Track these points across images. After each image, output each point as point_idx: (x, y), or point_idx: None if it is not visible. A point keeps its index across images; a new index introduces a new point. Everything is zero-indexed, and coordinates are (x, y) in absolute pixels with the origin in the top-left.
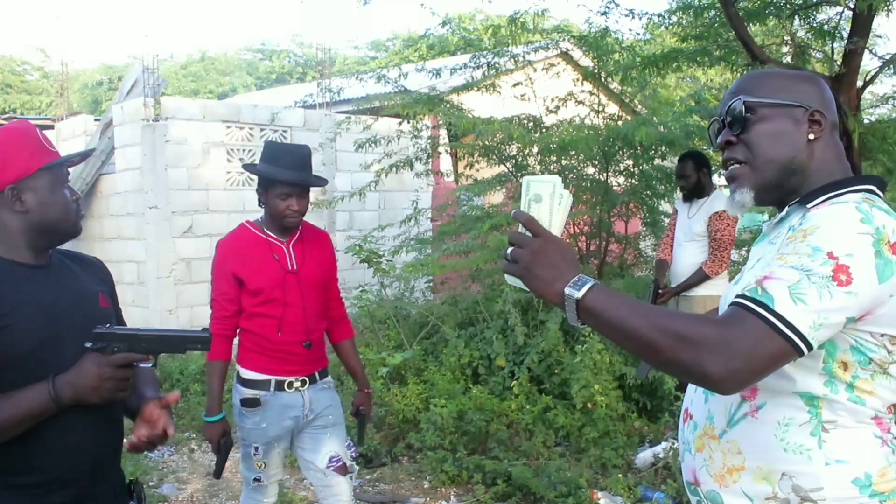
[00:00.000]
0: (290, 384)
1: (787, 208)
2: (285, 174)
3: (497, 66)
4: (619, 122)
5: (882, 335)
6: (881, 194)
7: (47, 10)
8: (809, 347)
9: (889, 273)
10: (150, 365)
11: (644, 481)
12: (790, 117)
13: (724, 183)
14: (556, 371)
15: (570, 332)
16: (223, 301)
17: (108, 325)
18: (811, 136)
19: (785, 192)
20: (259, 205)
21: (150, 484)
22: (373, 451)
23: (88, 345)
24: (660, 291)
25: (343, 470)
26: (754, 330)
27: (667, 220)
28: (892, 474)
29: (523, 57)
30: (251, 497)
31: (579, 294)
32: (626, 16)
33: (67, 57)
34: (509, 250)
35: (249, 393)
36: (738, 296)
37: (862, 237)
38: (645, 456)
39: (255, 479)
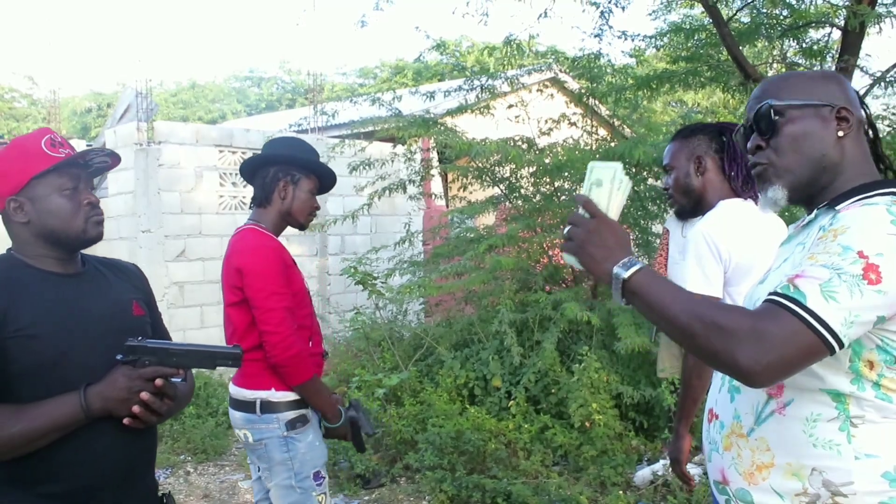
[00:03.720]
0: None
1: (815, 211)
2: (328, 169)
3: (491, 88)
4: (612, 144)
5: None
6: None
7: (35, 38)
8: (840, 345)
9: None
10: (180, 380)
11: (644, 499)
12: (818, 116)
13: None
14: (553, 391)
15: (566, 351)
16: (291, 308)
17: (139, 336)
18: (840, 134)
19: (817, 189)
20: (262, 201)
21: None
22: (371, 471)
23: (120, 357)
24: None
25: None
26: (788, 325)
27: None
28: None
29: (517, 79)
30: None
31: (626, 274)
32: (619, 37)
33: (56, 84)
34: (567, 229)
35: (294, 413)
36: (770, 293)
37: (892, 238)
38: (643, 474)
39: None
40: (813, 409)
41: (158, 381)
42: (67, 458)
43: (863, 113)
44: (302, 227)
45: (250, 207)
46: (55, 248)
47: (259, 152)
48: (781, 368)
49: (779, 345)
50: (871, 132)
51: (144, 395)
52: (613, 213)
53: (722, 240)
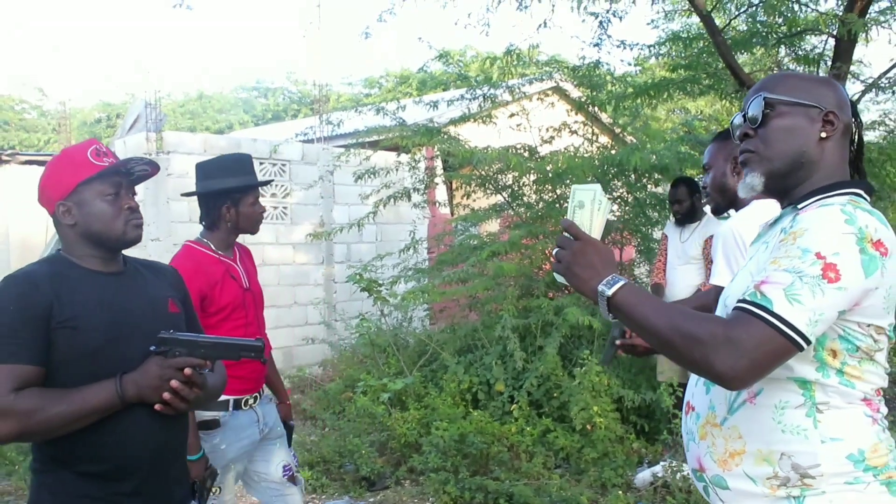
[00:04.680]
0: (247, 402)
1: (781, 211)
2: (257, 179)
3: (493, 97)
4: (613, 151)
5: (868, 325)
6: (867, 198)
7: (44, 50)
8: (808, 342)
9: (874, 268)
10: (207, 370)
11: (643, 500)
12: (806, 116)
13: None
14: (555, 394)
15: (568, 356)
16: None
17: (171, 330)
18: (823, 135)
19: (792, 183)
20: (210, 225)
21: None
22: (376, 474)
23: (153, 348)
24: None
25: (294, 479)
26: (757, 331)
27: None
28: (884, 450)
29: (518, 88)
30: None
31: (610, 292)
32: (618, 47)
33: (66, 95)
34: (555, 251)
35: (207, 415)
36: (739, 300)
37: (846, 236)
38: (644, 476)
39: None
40: (781, 396)
41: (187, 371)
42: (104, 441)
43: (851, 120)
44: (253, 233)
45: (200, 222)
46: (98, 248)
47: (230, 170)
48: (756, 371)
49: (751, 350)
50: (856, 140)
51: (174, 384)
52: (596, 232)
53: (750, 237)
